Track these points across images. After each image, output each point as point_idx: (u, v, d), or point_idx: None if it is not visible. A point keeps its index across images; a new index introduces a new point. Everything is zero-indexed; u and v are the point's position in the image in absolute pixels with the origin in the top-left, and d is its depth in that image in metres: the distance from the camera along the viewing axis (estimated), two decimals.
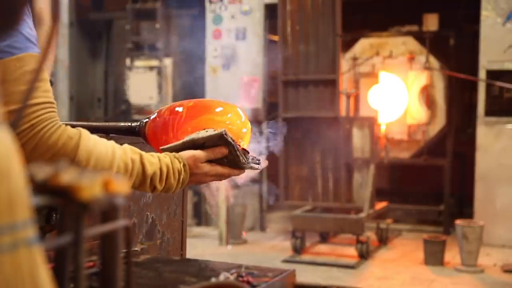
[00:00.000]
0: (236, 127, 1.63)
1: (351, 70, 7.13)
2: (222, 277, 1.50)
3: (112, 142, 1.46)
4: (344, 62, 7.08)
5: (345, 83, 6.84)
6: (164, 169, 1.49)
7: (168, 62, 8.31)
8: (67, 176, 0.76)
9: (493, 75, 6.42)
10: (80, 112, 8.78)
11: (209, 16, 7.77)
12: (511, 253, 6.11)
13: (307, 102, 6.57)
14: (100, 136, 1.47)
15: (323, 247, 6.41)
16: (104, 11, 9.31)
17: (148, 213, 1.99)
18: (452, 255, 5.84)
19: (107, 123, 1.83)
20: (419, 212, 7.38)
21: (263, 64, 7.57)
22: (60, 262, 0.79)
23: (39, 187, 0.77)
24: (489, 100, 6.52)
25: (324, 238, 6.60)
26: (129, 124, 1.74)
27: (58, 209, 0.79)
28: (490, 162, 6.50)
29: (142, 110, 7.95)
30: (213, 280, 1.47)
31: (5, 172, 0.72)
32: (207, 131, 1.55)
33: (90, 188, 0.75)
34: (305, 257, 6.01)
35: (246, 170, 1.64)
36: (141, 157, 1.48)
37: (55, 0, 0.84)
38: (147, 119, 1.69)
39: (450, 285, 5.15)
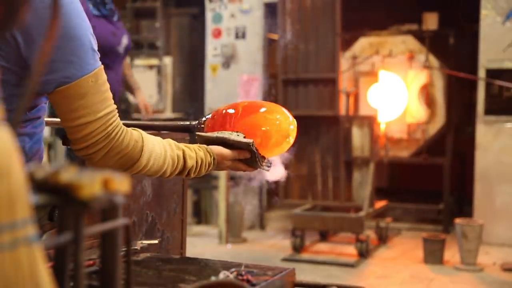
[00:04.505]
0: (286, 124, 1.89)
1: (351, 69, 7.13)
2: (221, 276, 1.50)
3: (161, 140, 1.68)
4: (344, 61, 7.07)
5: (344, 82, 6.84)
6: (199, 162, 1.74)
7: (167, 61, 8.31)
8: (67, 174, 0.76)
9: (492, 74, 6.42)
10: None
11: (208, 15, 7.77)
12: (510, 251, 6.11)
13: (307, 101, 6.58)
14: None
15: (322, 246, 6.41)
16: None
17: (148, 212, 1.99)
18: (451, 253, 5.84)
19: (165, 122, 2.09)
20: (418, 210, 7.38)
21: (262, 63, 7.56)
22: (60, 261, 0.80)
23: (39, 185, 0.77)
24: (489, 99, 6.52)
25: (324, 236, 6.60)
26: (188, 123, 1.98)
27: (58, 207, 0.80)
28: (490, 160, 6.50)
29: None
30: (213, 278, 1.47)
31: (5, 170, 0.72)
32: (238, 135, 1.79)
33: (90, 186, 0.75)
34: (305, 255, 6.01)
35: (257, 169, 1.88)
36: (183, 152, 1.71)
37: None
38: (205, 119, 1.90)
39: (449, 283, 5.15)
